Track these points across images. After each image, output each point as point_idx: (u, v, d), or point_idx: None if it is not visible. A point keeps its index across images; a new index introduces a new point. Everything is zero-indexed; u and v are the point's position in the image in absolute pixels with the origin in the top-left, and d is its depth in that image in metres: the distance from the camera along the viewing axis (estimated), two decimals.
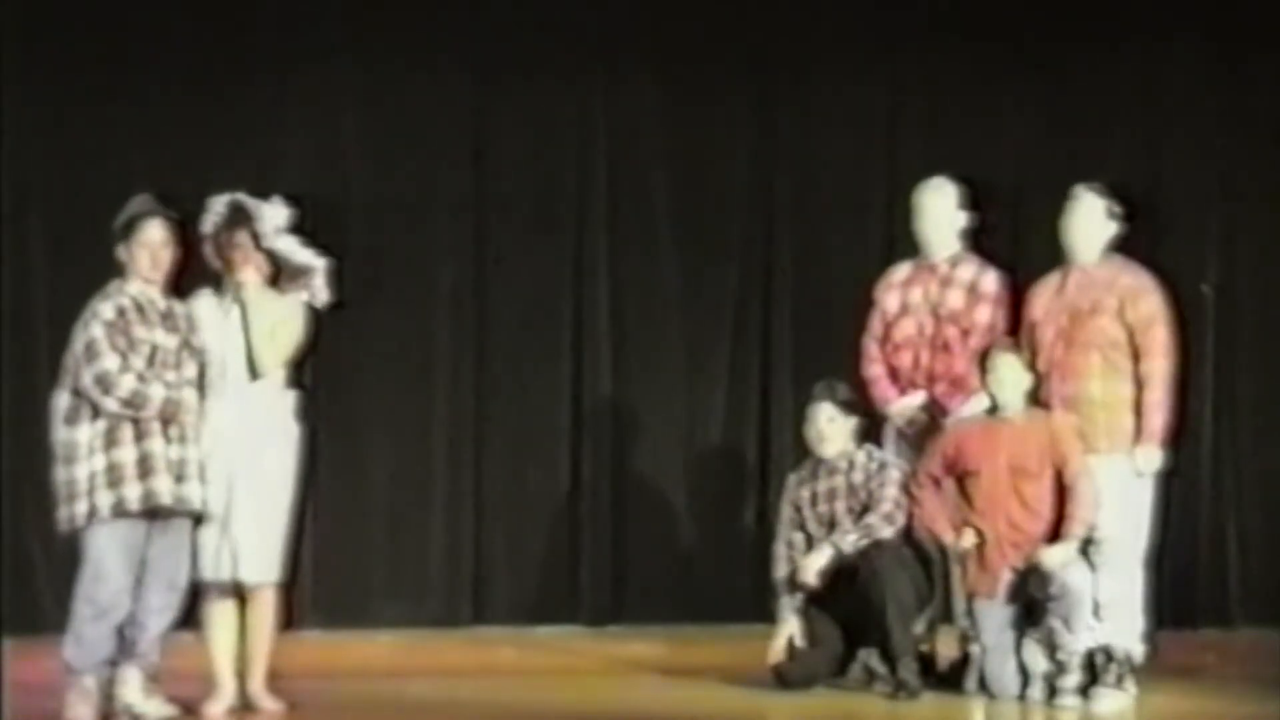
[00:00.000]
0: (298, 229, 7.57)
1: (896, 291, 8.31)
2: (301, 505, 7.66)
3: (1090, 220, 7.96)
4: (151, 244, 7.34)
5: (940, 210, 8.24)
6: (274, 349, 7.45)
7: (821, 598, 8.00)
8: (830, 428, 8.11)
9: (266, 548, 7.42)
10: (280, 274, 7.54)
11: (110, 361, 7.18)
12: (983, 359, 7.89)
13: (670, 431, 10.24)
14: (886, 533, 7.93)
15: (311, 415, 7.77)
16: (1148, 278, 7.97)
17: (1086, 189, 7.99)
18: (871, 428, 8.24)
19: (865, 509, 7.99)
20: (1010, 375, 7.82)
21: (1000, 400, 7.85)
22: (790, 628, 8.03)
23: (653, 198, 10.25)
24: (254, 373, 7.41)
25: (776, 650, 8.00)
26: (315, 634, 9.58)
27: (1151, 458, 7.87)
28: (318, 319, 7.63)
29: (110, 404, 7.17)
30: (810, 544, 8.05)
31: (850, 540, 7.92)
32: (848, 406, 8.10)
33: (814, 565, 7.96)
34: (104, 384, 7.16)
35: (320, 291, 7.58)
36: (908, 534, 8.01)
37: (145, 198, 7.42)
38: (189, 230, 7.43)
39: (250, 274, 7.49)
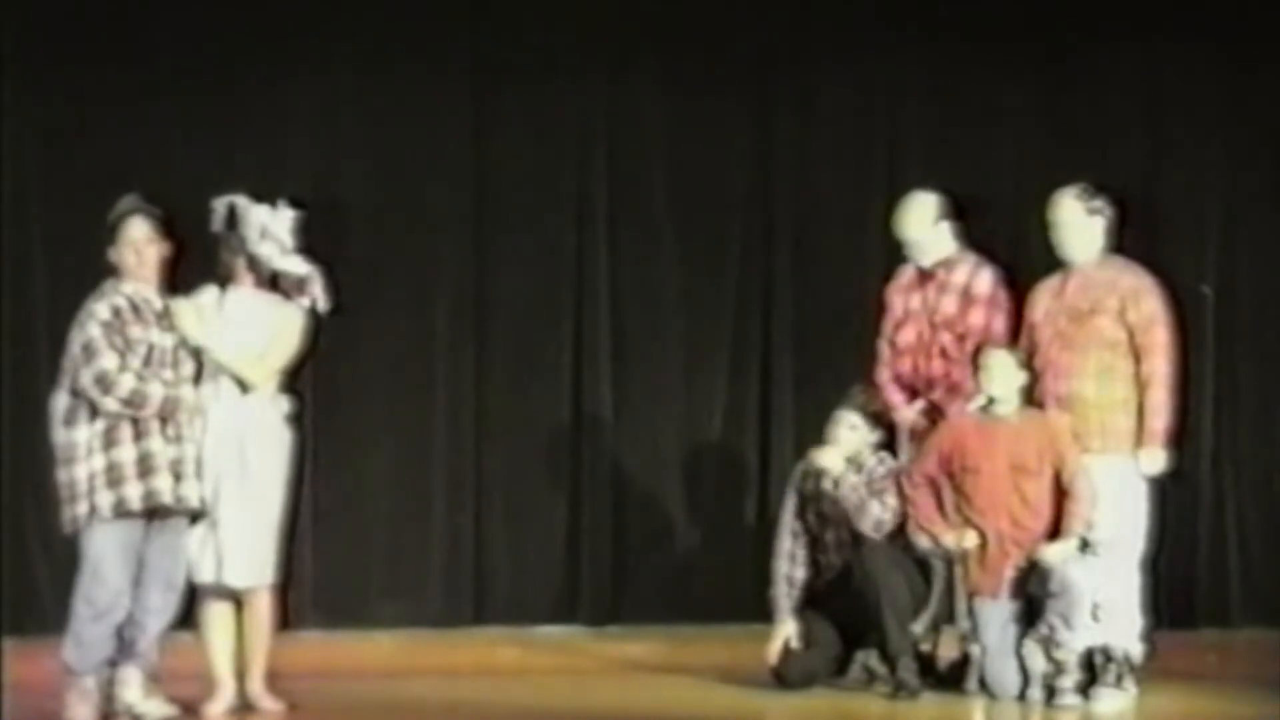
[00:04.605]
0: (299, 231, 7.59)
1: (901, 296, 8.33)
2: (294, 509, 7.67)
3: (1072, 221, 7.97)
4: (136, 241, 7.35)
5: (919, 228, 8.22)
6: (264, 363, 7.44)
7: (818, 599, 8.00)
8: (850, 436, 8.08)
9: (256, 552, 7.41)
10: (279, 279, 7.54)
11: (109, 360, 7.18)
12: (975, 356, 7.91)
13: (670, 432, 10.24)
14: (880, 516, 7.90)
15: (310, 417, 7.77)
16: (1149, 279, 7.97)
17: (1062, 193, 8.00)
18: (890, 432, 8.25)
19: None
20: (1001, 371, 7.83)
21: (993, 396, 7.85)
22: (787, 629, 8.03)
23: (653, 198, 10.26)
24: (242, 386, 7.41)
25: (773, 652, 8.00)
26: (315, 634, 9.58)
27: (1155, 459, 7.87)
28: (318, 321, 7.63)
29: (110, 403, 7.17)
30: (808, 539, 8.06)
31: (851, 482, 7.88)
32: (874, 419, 8.09)
33: (820, 460, 7.96)
34: (103, 383, 7.16)
35: (322, 297, 7.58)
36: (903, 535, 8.00)
37: (130, 197, 7.43)
38: (178, 227, 7.43)
39: (244, 279, 7.51)
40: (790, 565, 8.09)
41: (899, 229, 8.27)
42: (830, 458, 8.04)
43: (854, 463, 8.06)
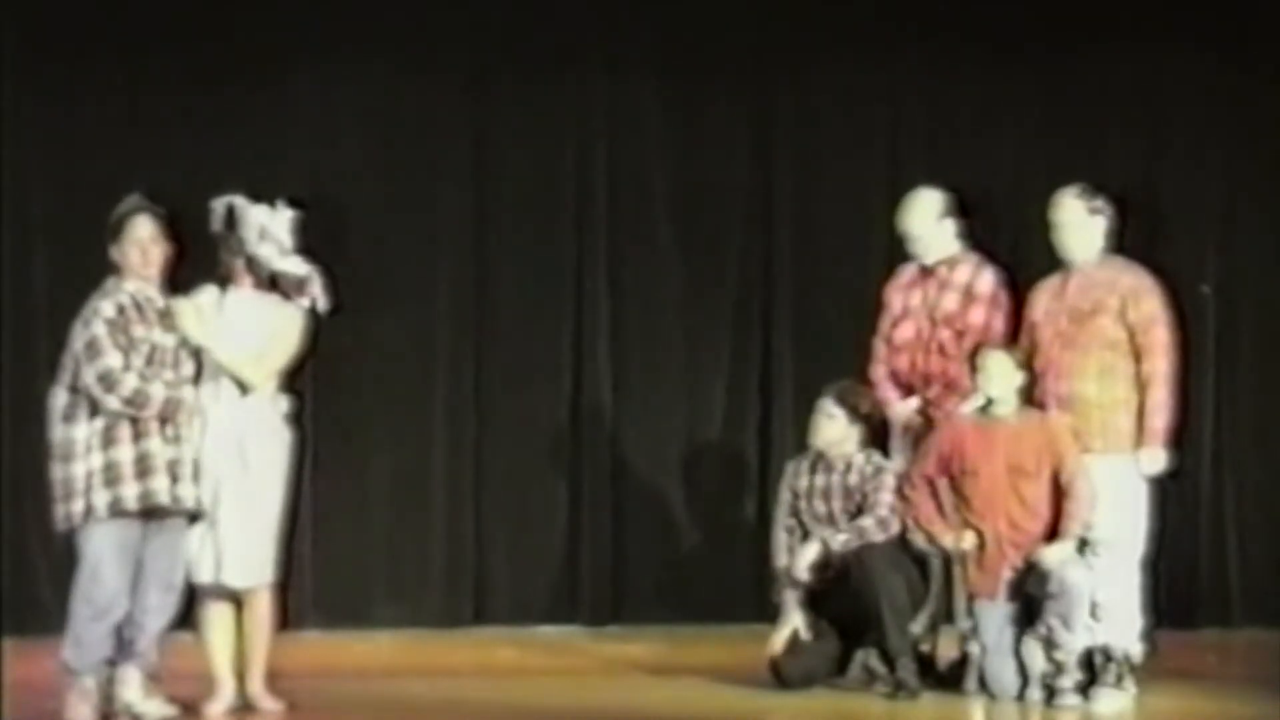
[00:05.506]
0: (298, 231, 7.59)
1: (901, 294, 8.34)
2: (294, 508, 7.67)
3: (1073, 221, 7.97)
4: (141, 240, 7.35)
5: (923, 223, 8.23)
6: (263, 363, 7.44)
7: (817, 599, 8.01)
8: (827, 424, 8.11)
9: (256, 551, 7.41)
10: (279, 279, 7.54)
11: (113, 359, 7.18)
12: (973, 356, 7.92)
13: (670, 431, 10.24)
14: (879, 537, 7.93)
15: (310, 418, 7.76)
16: (1149, 279, 7.98)
17: (1063, 192, 8.01)
18: (884, 427, 8.25)
19: (859, 510, 8.00)
20: (999, 371, 7.83)
21: (991, 396, 7.86)
22: (794, 621, 8.03)
23: (653, 198, 10.26)
24: (242, 387, 7.40)
25: (778, 642, 8.00)
26: (315, 634, 9.58)
27: (1155, 459, 7.87)
28: (318, 322, 7.63)
29: (112, 402, 7.17)
30: (805, 535, 8.07)
31: (840, 540, 7.93)
32: (852, 411, 8.10)
33: (804, 560, 7.98)
34: (107, 382, 7.16)
35: (322, 298, 7.58)
36: (901, 535, 8.01)
37: (134, 197, 7.44)
38: (179, 227, 7.44)
39: (244, 279, 7.50)
40: (789, 559, 8.08)
41: (902, 223, 8.27)
42: (819, 442, 8.07)
43: (844, 459, 8.07)
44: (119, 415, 7.20)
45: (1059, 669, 7.68)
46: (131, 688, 7.31)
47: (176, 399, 7.27)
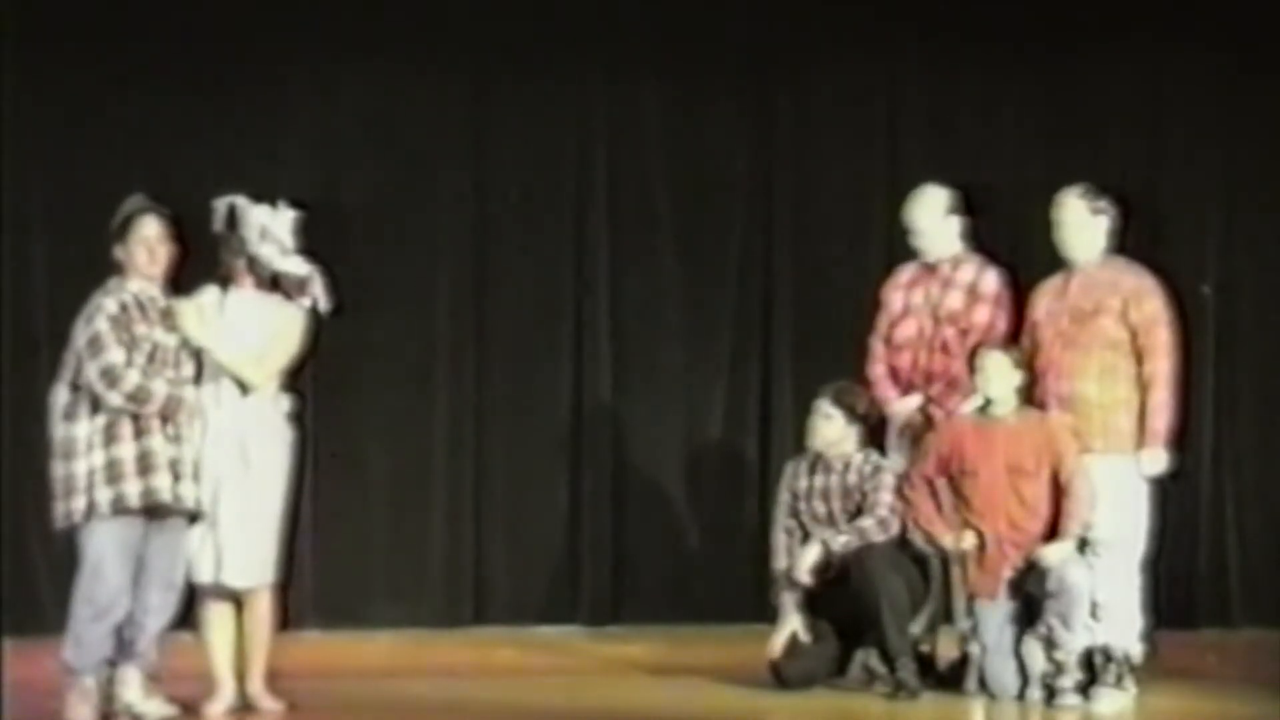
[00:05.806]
0: (299, 231, 7.59)
1: (901, 292, 8.34)
2: (295, 508, 7.67)
3: (1076, 221, 7.97)
4: (148, 240, 7.36)
5: (930, 218, 8.24)
6: (264, 363, 7.44)
7: (816, 599, 8.00)
8: (824, 425, 8.12)
9: (257, 552, 7.41)
10: (280, 280, 7.53)
11: (116, 355, 7.18)
12: (971, 356, 7.92)
13: (670, 431, 10.24)
14: (879, 538, 7.93)
15: (311, 417, 7.75)
16: (1150, 279, 7.98)
17: (1066, 192, 8.01)
18: (880, 426, 8.25)
19: (859, 511, 8.00)
20: (997, 371, 7.84)
21: (990, 396, 7.86)
22: (793, 623, 8.03)
23: (653, 198, 10.26)
24: (243, 388, 7.40)
25: (778, 645, 8.00)
26: (315, 634, 9.58)
27: (1157, 460, 7.87)
28: (318, 322, 7.63)
29: (114, 398, 7.17)
30: (805, 537, 8.06)
31: (841, 540, 7.93)
32: (850, 411, 8.10)
33: (805, 562, 7.97)
34: (109, 378, 7.16)
35: (323, 298, 7.58)
36: (901, 535, 8.01)
37: (139, 197, 7.44)
38: (184, 228, 7.44)
39: (245, 280, 7.50)
40: (788, 561, 8.08)
41: (909, 218, 8.27)
42: (817, 442, 8.06)
43: (842, 459, 8.07)
44: (120, 412, 7.20)
45: (1059, 669, 7.69)
46: (131, 688, 7.32)
47: (178, 397, 7.28)
